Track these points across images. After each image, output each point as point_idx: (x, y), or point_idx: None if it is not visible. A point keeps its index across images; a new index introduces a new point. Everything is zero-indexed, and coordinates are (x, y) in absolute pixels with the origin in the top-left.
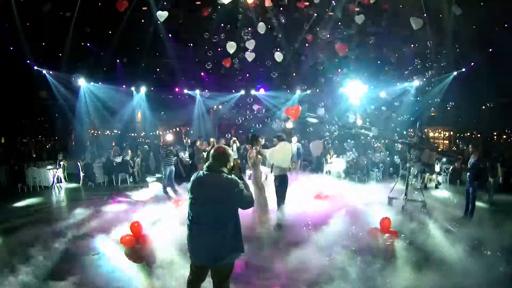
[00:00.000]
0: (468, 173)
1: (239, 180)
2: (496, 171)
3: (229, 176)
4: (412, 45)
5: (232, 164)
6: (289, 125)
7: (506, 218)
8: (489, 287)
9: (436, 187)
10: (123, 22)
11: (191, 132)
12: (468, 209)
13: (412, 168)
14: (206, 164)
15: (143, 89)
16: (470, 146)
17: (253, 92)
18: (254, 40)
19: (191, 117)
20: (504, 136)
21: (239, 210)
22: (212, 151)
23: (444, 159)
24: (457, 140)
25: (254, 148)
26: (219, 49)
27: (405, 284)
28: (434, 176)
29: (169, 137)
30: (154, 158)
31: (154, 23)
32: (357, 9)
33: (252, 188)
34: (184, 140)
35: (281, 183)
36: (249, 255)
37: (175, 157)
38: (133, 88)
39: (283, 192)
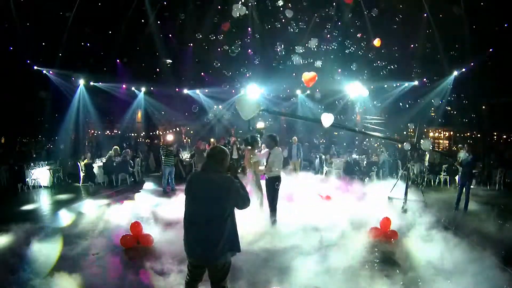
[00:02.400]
0: (463, 170)
1: (235, 179)
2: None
3: (225, 175)
4: (412, 45)
5: (228, 164)
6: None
7: (504, 216)
8: (489, 286)
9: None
10: (123, 21)
11: (191, 132)
12: (459, 200)
13: (412, 168)
14: (203, 163)
15: (144, 89)
16: (465, 145)
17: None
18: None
19: (193, 117)
20: (504, 136)
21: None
22: (208, 151)
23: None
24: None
25: (253, 149)
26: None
27: (405, 284)
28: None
29: (169, 137)
30: (154, 158)
31: (153, 22)
32: None
33: (248, 188)
34: (184, 140)
35: (276, 185)
36: (247, 254)
37: (175, 157)
38: (133, 88)
39: (275, 194)
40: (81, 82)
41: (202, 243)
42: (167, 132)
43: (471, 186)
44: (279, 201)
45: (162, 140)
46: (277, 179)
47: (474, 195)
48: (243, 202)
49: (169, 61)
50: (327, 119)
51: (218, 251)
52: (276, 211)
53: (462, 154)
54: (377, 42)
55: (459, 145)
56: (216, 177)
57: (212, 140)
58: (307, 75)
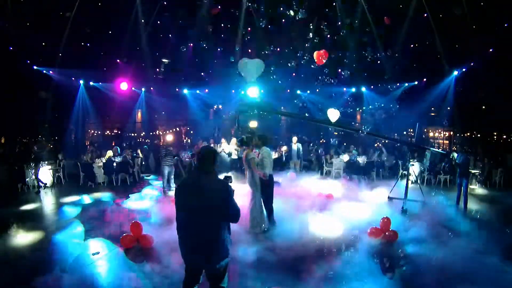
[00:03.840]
0: (458, 169)
1: (231, 186)
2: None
3: (221, 180)
4: (412, 45)
5: (217, 162)
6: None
7: (503, 216)
8: (490, 285)
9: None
10: (123, 21)
11: (191, 132)
12: (459, 200)
13: (412, 168)
14: (194, 166)
15: (143, 89)
16: (458, 145)
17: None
18: None
19: (194, 117)
20: (504, 136)
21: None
22: (199, 152)
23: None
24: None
25: (251, 148)
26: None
27: (405, 284)
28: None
29: (169, 137)
30: (154, 158)
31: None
32: None
33: (250, 190)
34: (184, 140)
35: (270, 184)
36: (247, 255)
37: (175, 157)
38: (133, 88)
39: (269, 195)
40: (81, 82)
41: (195, 249)
42: (167, 132)
43: (472, 186)
44: (277, 202)
45: (162, 140)
46: (269, 179)
47: (474, 195)
48: (234, 214)
49: (166, 60)
50: (334, 114)
51: (214, 258)
52: (272, 212)
53: (456, 155)
54: (386, 21)
55: (453, 148)
56: (209, 180)
57: (212, 140)
58: (317, 53)
